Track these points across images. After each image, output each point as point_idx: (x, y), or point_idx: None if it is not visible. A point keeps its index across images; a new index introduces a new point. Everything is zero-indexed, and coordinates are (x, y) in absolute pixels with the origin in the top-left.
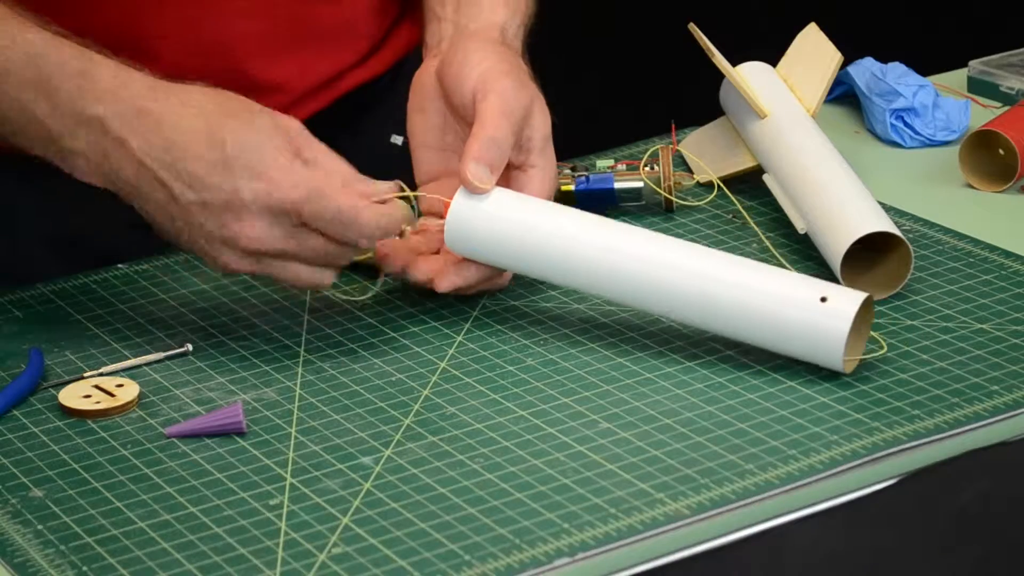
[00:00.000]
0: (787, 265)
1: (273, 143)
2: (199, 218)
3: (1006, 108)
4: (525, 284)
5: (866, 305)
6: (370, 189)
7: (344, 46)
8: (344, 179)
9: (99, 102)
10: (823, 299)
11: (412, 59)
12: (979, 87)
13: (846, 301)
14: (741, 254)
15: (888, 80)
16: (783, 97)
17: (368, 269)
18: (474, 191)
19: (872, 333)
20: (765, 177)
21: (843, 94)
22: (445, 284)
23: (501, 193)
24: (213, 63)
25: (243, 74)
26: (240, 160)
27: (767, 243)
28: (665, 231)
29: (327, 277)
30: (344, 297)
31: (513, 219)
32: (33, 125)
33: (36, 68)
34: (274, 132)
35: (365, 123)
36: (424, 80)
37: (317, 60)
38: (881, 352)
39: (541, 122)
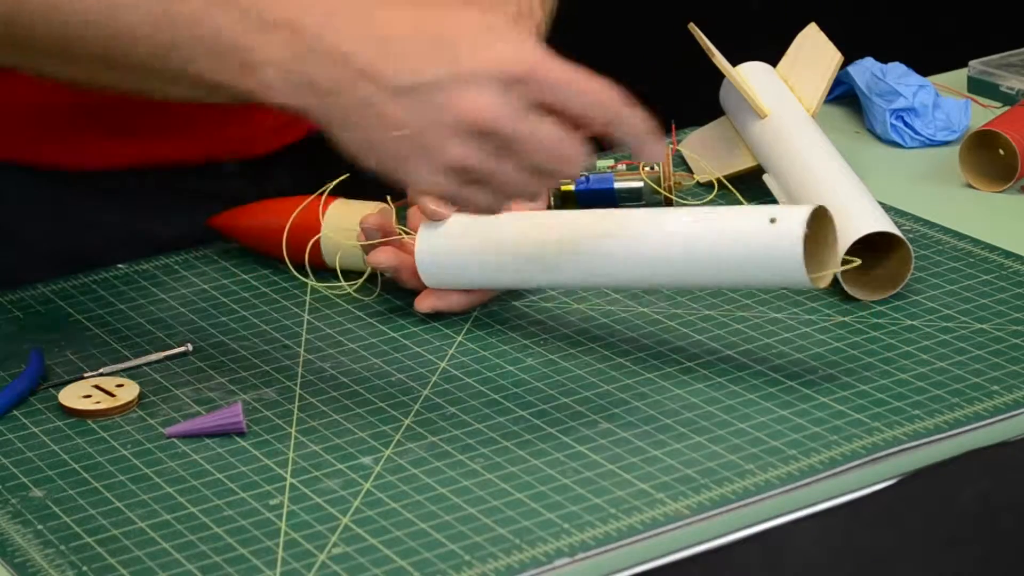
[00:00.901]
0: None
1: (486, 21)
2: (417, 105)
3: (1006, 108)
4: None
5: (820, 217)
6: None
7: None
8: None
9: (289, 5)
10: (772, 220)
11: None
12: (979, 87)
13: (796, 214)
14: None
15: (888, 80)
16: (783, 97)
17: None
18: (431, 216)
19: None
20: (765, 177)
21: (843, 94)
22: (425, 306)
23: (459, 223)
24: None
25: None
26: (458, 35)
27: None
28: None
29: (543, 188)
30: (333, 288)
31: (475, 241)
32: (214, 44)
33: None
34: (482, 20)
35: None
36: None
37: None
38: (854, 264)
39: None
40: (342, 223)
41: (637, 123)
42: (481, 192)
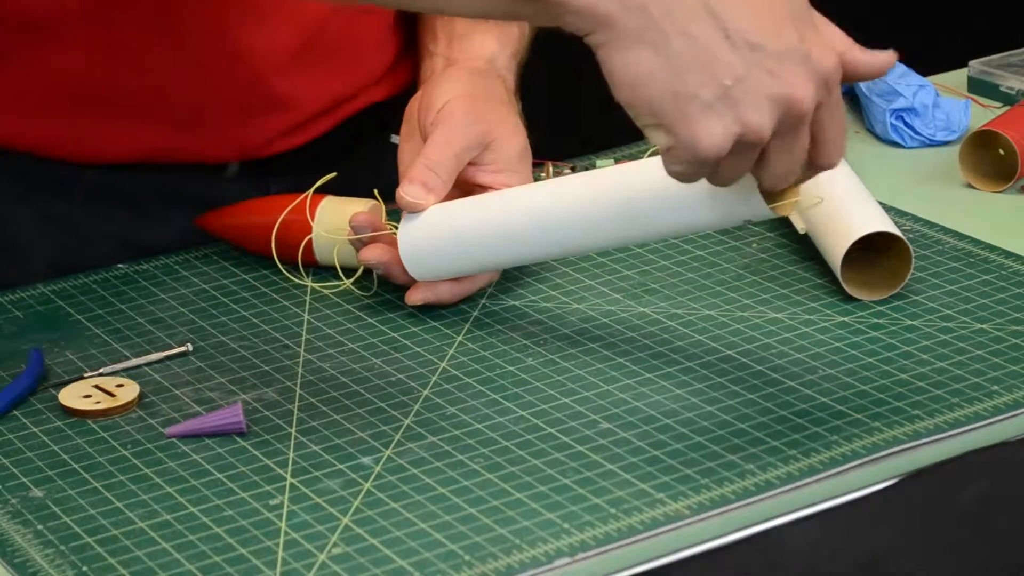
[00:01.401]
0: (786, 265)
1: (813, 12)
2: (751, 65)
3: (1006, 108)
4: (525, 284)
5: None
6: None
7: (356, 67)
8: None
9: None
10: None
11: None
12: (979, 87)
13: None
14: (740, 254)
15: (888, 80)
16: None
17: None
18: (407, 208)
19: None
20: None
21: (843, 94)
22: (415, 297)
23: (439, 209)
24: (236, 69)
25: (263, 85)
26: (802, 16)
27: (756, 245)
28: None
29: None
30: (330, 286)
31: (452, 228)
32: None
33: None
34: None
35: (358, 147)
36: (412, 109)
37: (330, 78)
38: (818, 202)
39: (507, 144)
40: (334, 220)
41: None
42: (746, 163)
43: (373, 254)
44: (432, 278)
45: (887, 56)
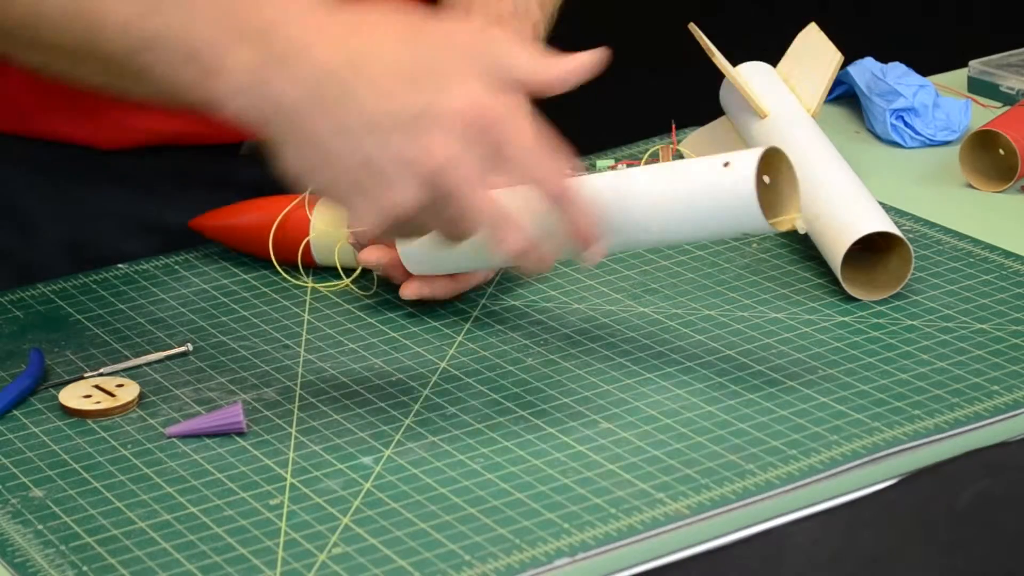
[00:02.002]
0: (786, 265)
1: (470, 58)
2: (380, 135)
3: (1006, 108)
4: (525, 284)
5: (778, 164)
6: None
7: None
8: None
9: (270, 6)
10: (726, 164)
11: None
12: (979, 87)
13: (749, 155)
14: (740, 254)
15: (888, 80)
16: (783, 97)
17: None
18: None
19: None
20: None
21: (843, 94)
22: (410, 291)
23: None
24: None
25: None
26: (436, 68)
27: (758, 247)
28: None
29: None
30: (330, 286)
31: None
32: (184, 41)
33: None
34: (469, 48)
35: None
36: None
37: None
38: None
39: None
40: (333, 220)
41: (577, 218)
42: (431, 223)
43: (373, 256)
44: (430, 273)
45: (577, 63)
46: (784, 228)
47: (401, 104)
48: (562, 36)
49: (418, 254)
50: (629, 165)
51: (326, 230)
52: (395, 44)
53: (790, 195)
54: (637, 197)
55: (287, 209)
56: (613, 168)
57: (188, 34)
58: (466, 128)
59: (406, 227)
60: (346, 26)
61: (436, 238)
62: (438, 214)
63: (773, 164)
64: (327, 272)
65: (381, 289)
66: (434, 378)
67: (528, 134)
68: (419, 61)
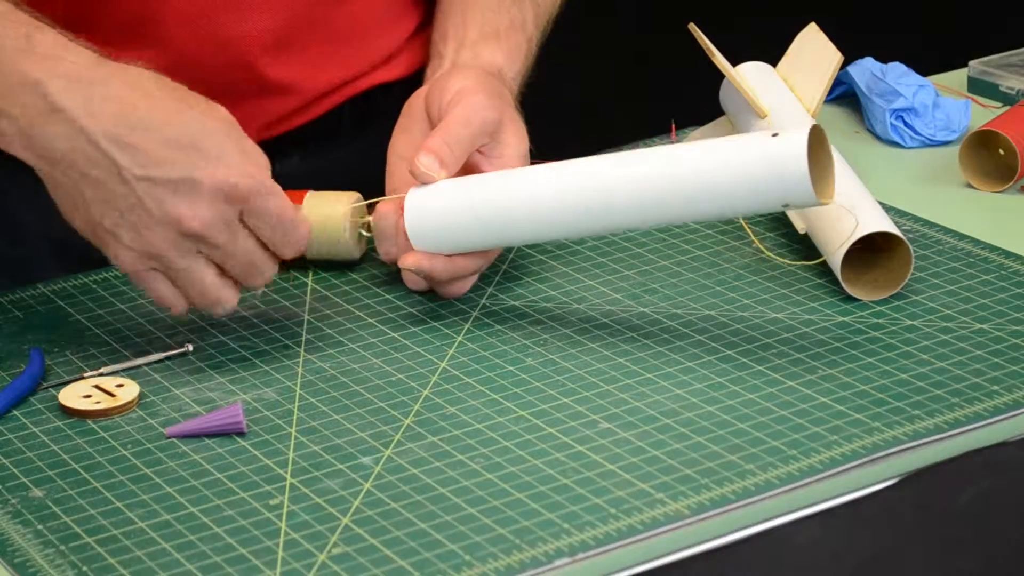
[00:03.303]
0: (787, 264)
1: (231, 133)
2: (141, 194)
3: (1006, 108)
4: (525, 284)
5: (819, 140)
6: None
7: (358, 51)
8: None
9: (39, 66)
10: (774, 135)
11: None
12: (979, 87)
13: (796, 131)
14: (740, 254)
15: (888, 80)
16: (783, 97)
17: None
18: (420, 179)
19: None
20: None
21: (843, 94)
22: (409, 261)
23: (451, 182)
24: (223, 57)
25: (253, 71)
26: (199, 143)
27: (760, 246)
28: (666, 231)
29: (231, 298)
30: (328, 286)
31: (466, 195)
32: None
33: None
34: (231, 123)
35: (368, 126)
36: (413, 104)
37: (329, 63)
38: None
39: (515, 142)
40: (324, 212)
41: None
42: (163, 284)
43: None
44: (433, 248)
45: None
46: (826, 200)
47: (161, 170)
48: (563, 36)
49: (426, 225)
50: None
51: (316, 224)
52: (168, 110)
53: (825, 175)
54: (669, 172)
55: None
56: None
57: None
58: (220, 195)
59: (161, 275)
60: (108, 92)
61: (450, 213)
62: (196, 262)
63: (813, 143)
64: (327, 272)
65: (381, 289)
66: (434, 378)
67: (281, 201)
68: (184, 131)
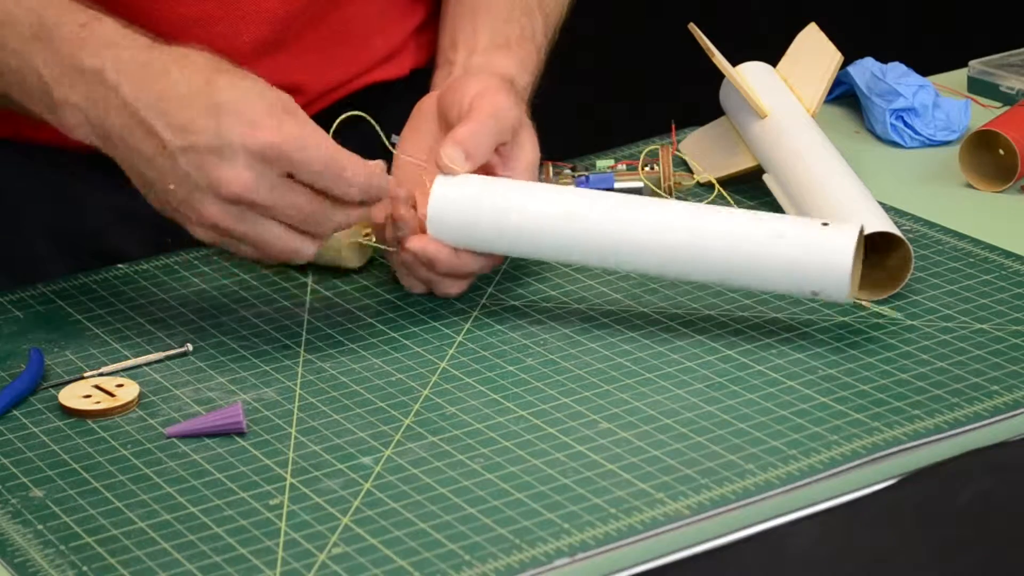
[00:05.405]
0: None
1: (265, 97)
2: (184, 165)
3: (1006, 108)
4: (525, 284)
5: (860, 241)
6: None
7: (356, 52)
8: (329, 141)
9: (99, 54)
10: (824, 224)
11: (428, 71)
12: (979, 87)
13: (846, 226)
14: None
15: (888, 80)
16: (783, 97)
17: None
18: (446, 171)
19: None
20: (765, 177)
21: (843, 94)
22: (416, 244)
23: (480, 178)
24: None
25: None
26: (230, 106)
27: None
28: None
29: (307, 246)
30: (327, 286)
31: (498, 196)
32: (31, 76)
33: (38, 19)
34: (266, 89)
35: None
36: (424, 106)
37: (327, 65)
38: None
39: (529, 148)
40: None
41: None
42: (242, 245)
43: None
44: (447, 239)
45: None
46: (850, 297)
47: (197, 136)
48: (563, 36)
49: (448, 216)
50: (628, 165)
51: None
52: (198, 84)
53: (855, 273)
54: (720, 239)
55: None
56: (612, 168)
57: (30, 71)
58: (255, 153)
59: (233, 239)
60: (156, 71)
61: (477, 212)
62: (257, 223)
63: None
64: (327, 272)
65: (381, 289)
66: (434, 378)
67: (323, 151)
68: (215, 98)
